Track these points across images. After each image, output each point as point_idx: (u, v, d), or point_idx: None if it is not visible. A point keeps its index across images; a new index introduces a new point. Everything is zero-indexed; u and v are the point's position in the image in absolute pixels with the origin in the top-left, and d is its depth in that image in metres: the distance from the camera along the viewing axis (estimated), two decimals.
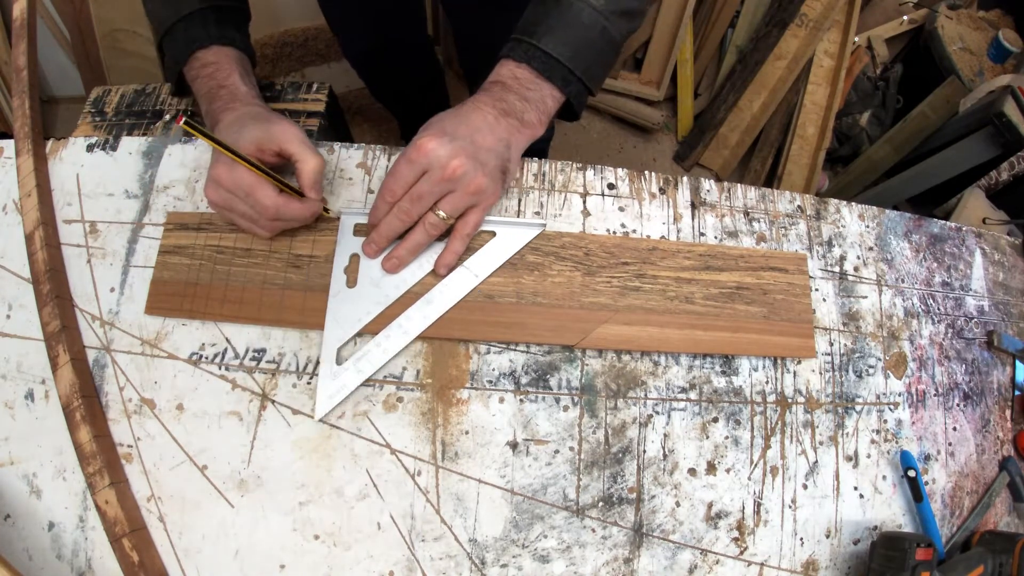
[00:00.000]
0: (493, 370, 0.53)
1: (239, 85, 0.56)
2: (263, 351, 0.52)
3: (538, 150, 0.87)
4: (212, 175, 0.50)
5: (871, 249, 0.64)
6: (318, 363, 0.52)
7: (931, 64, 1.63)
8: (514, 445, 0.52)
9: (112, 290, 0.54)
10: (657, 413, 0.54)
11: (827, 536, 0.54)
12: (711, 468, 0.54)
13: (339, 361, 0.52)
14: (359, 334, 0.53)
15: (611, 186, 0.61)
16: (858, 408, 0.58)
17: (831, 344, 0.59)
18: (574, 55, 0.54)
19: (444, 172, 0.49)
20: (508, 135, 0.53)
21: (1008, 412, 0.65)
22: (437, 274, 0.54)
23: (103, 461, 0.48)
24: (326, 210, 0.55)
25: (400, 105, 1.27)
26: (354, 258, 0.55)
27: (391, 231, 0.53)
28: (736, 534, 0.53)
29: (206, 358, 0.52)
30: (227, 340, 0.53)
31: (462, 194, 0.51)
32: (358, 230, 0.56)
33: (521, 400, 0.53)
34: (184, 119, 0.42)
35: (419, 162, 0.50)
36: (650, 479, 0.52)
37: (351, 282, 0.54)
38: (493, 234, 0.56)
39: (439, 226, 0.52)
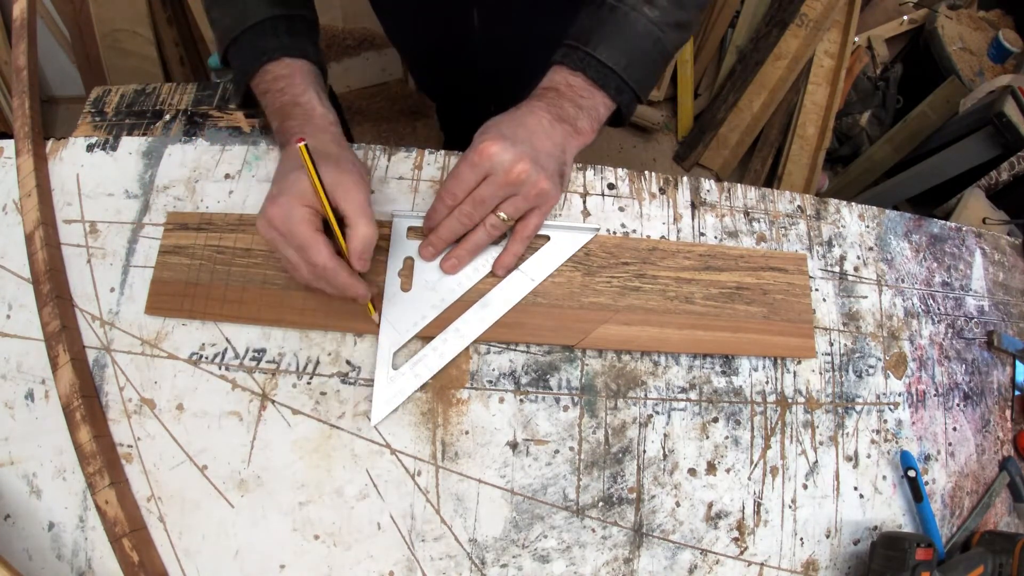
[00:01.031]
0: (493, 370, 0.53)
1: (315, 105, 0.53)
2: (263, 351, 0.52)
3: None
4: (267, 213, 0.46)
5: (871, 249, 0.64)
6: (318, 363, 0.52)
7: (931, 64, 1.64)
8: (514, 445, 0.52)
9: (112, 290, 0.54)
10: (657, 413, 0.54)
11: (827, 536, 0.55)
12: (711, 468, 0.54)
13: (395, 366, 0.51)
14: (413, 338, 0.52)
15: (611, 186, 0.61)
16: (858, 408, 0.58)
17: (831, 344, 0.59)
18: (628, 65, 0.54)
19: (508, 176, 0.49)
20: (563, 140, 0.53)
21: (1008, 412, 0.65)
22: (495, 275, 0.54)
23: (103, 461, 0.48)
24: (373, 305, 0.51)
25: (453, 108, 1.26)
26: (408, 261, 0.54)
27: (451, 234, 0.52)
28: (736, 534, 0.53)
29: (206, 358, 0.52)
30: (227, 340, 0.53)
31: (524, 197, 0.51)
32: (411, 233, 0.55)
33: (521, 400, 0.53)
34: (304, 142, 0.40)
35: (482, 166, 0.49)
36: (650, 479, 0.52)
37: (406, 285, 0.53)
38: (547, 238, 0.56)
39: (500, 227, 0.52)
